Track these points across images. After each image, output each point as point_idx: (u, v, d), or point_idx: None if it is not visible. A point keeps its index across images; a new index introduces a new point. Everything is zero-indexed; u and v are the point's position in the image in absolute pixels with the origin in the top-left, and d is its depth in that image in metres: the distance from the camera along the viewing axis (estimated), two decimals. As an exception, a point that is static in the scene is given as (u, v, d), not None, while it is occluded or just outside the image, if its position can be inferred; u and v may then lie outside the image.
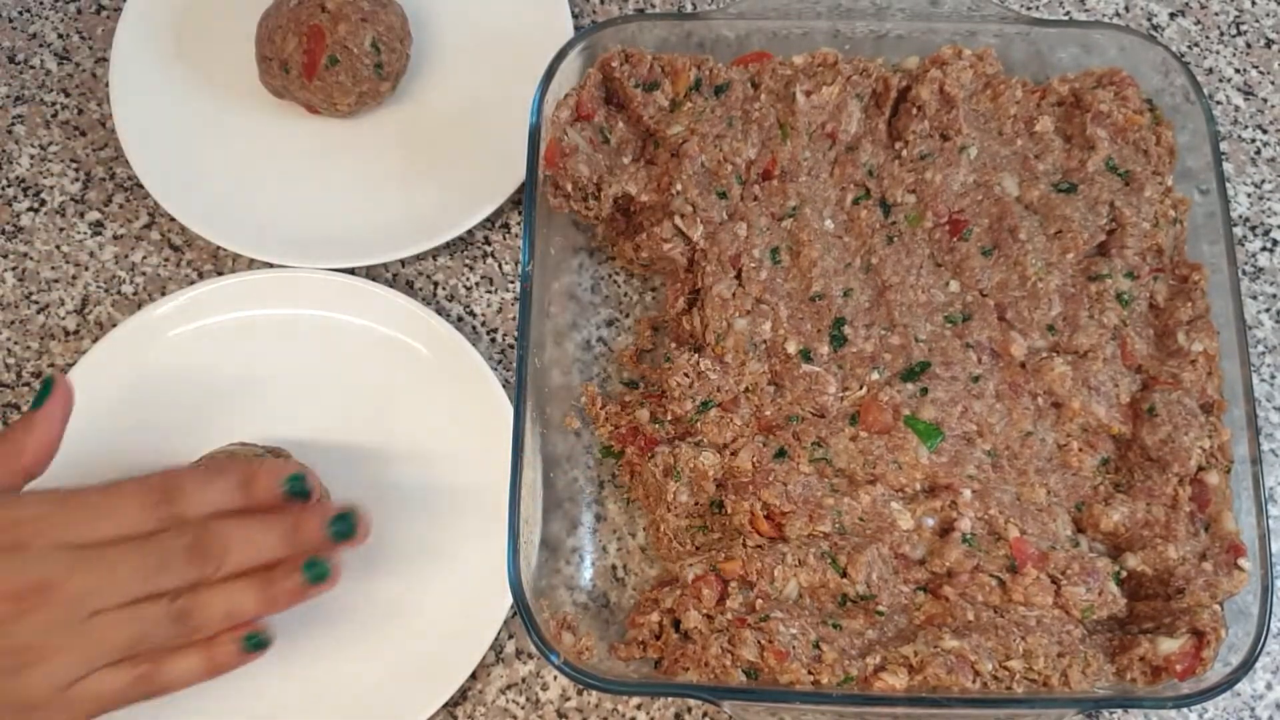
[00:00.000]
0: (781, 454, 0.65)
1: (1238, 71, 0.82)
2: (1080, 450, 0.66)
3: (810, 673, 0.60)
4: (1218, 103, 0.81)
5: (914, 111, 0.71)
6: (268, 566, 0.59)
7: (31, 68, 0.82)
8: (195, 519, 0.58)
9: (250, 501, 0.59)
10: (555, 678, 0.69)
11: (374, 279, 0.74)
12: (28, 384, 0.74)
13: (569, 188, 0.70)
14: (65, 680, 0.55)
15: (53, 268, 0.77)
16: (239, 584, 0.58)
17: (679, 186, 0.69)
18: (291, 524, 0.59)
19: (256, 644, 0.59)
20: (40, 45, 0.83)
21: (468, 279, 0.77)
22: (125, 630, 0.56)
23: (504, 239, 0.78)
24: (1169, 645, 0.61)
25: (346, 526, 0.59)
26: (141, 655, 0.57)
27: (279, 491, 0.60)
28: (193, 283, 0.75)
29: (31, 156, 0.80)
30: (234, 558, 0.57)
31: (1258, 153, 0.80)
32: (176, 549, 0.56)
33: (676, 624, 0.63)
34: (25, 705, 0.55)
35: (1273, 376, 0.75)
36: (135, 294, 0.76)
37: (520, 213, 0.77)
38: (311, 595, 0.60)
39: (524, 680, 0.69)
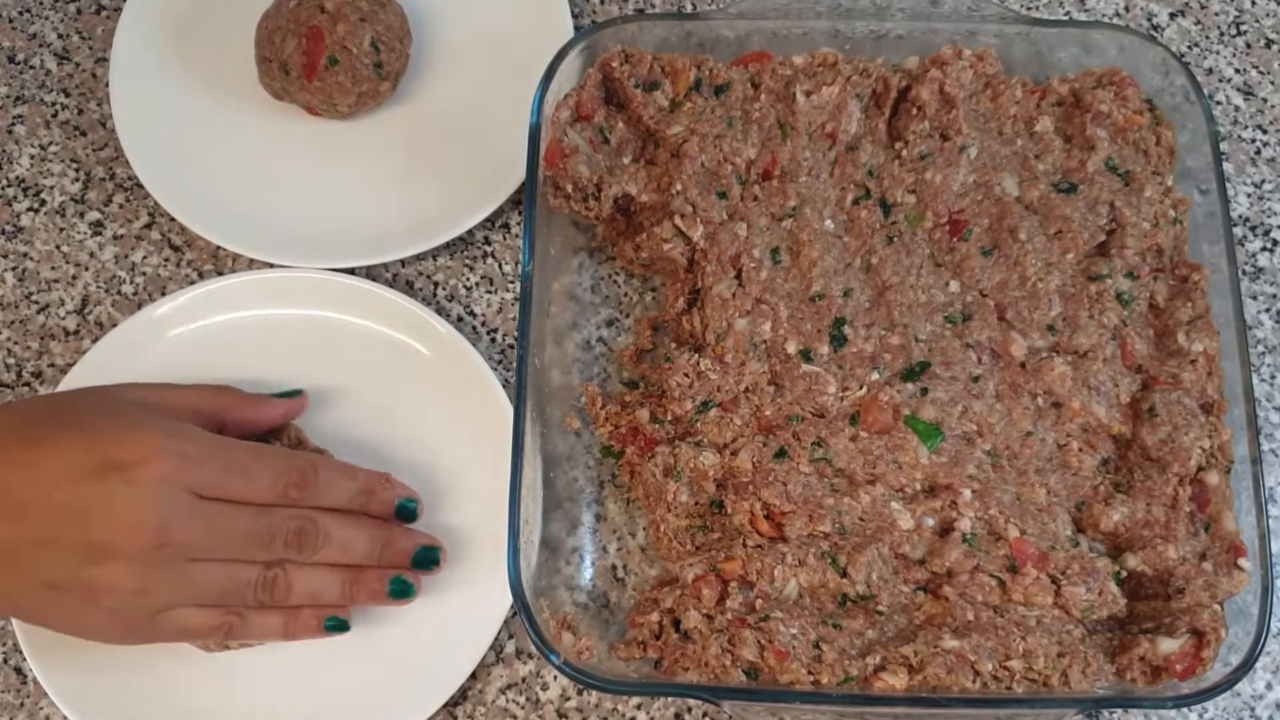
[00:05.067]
0: (781, 454, 0.65)
1: (1238, 71, 0.81)
2: (1080, 450, 0.66)
3: (810, 673, 0.60)
4: (1218, 103, 0.81)
5: (914, 111, 0.71)
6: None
7: (31, 68, 0.82)
8: (310, 506, 0.63)
9: (365, 509, 0.66)
10: (555, 678, 0.69)
11: (374, 279, 0.74)
12: (28, 384, 0.74)
13: (569, 188, 0.70)
14: (154, 609, 0.60)
15: (53, 268, 0.77)
16: (327, 572, 0.64)
17: (679, 186, 0.69)
18: (385, 538, 0.65)
19: (337, 625, 0.65)
20: (40, 45, 0.83)
21: (468, 279, 0.77)
22: (217, 584, 0.61)
23: (504, 239, 0.78)
24: (1169, 645, 0.61)
25: (430, 557, 0.66)
26: (228, 606, 0.62)
27: (391, 508, 0.66)
28: (193, 283, 0.75)
29: (31, 156, 0.80)
30: (328, 552, 0.63)
31: (1258, 153, 0.80)
32: (284, 530, 0.62)
33: (676, 624, 0.63)
34: (121, 616, 0.60)
35: (1273, 376, 0.75)
36: (135, 294, 0.76)
37: (520, 213, 0.77)
38: (386, 605, 0.66)
39: (524, 680, 0.69)
